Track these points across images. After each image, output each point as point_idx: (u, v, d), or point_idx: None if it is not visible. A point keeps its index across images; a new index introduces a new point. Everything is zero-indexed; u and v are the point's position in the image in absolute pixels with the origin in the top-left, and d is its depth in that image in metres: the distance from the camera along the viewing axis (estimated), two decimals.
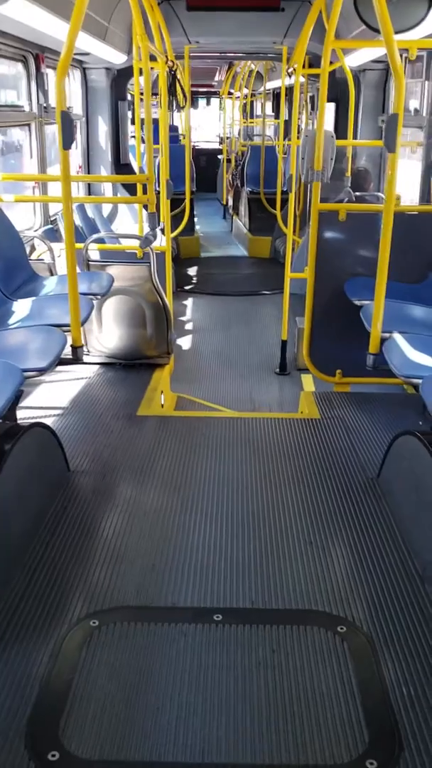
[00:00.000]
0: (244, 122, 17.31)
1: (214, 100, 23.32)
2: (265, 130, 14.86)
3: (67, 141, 3.73)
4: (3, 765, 2.26)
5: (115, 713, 2.46)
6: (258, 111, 18.48)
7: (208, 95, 23.50)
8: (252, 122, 17.65)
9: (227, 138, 18.16)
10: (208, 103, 24.45)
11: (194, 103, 25.07)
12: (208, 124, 24.51)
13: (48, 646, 2.77)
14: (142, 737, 2.37)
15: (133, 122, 10.19)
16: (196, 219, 17.52)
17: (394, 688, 2.57)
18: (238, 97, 16.83)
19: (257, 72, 14.46)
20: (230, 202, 17.05)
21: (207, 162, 21.52)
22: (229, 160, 17.36)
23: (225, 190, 17.95)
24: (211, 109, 24.12)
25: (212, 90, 21.77)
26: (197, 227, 15.71)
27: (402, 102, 3.86)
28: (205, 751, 2.32)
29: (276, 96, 16.39)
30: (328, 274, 5.51)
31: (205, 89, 22.33)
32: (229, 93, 17.35)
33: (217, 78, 20.14)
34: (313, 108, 13.86)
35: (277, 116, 15.91)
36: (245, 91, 16.53)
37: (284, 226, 10.90)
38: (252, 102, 17.94)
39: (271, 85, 16.02)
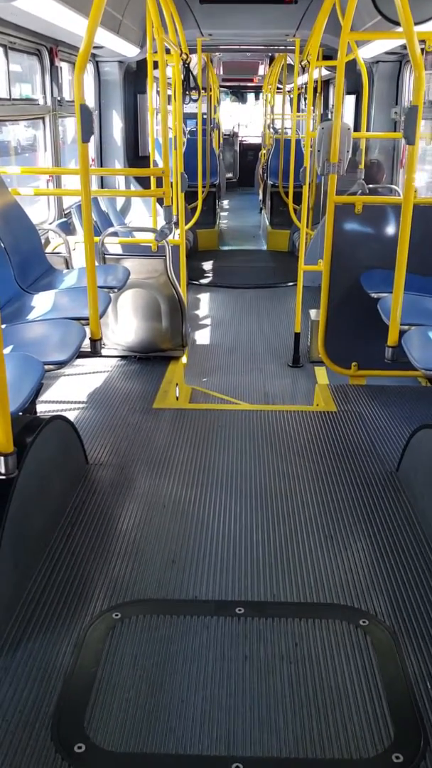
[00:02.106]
0: (272, 116, 17.24)
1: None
2: (284, 124, 14.80)
3: (86, 134, 3.72)
4: (30, 756, 2.27)
5: (140, 705, 2.47)
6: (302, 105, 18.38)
7: (256, 90, 23.43)
8: (299, 116, 17.57)
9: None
10: (256, 98, 24.39)
11: (242, 98, 25.06)
12: (257, 119, 24.38)
13: (71, 638, 2.78)
14: (167, 730, 2.38)
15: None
16: (227, 213, 17.50)
17: (419, 682, 2.57)
18: (279, 91, 16.75)
19: (291, 66, 14.40)
20: (261, 196, 17.05)
21: (253, 157, 21.51)
22: (263, 155, 17.32)
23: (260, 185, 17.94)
24: (260, 104, 24.03)
25: (258, 85, 21.69)
26: (225, 221, 15.66)
27: (422, 93, 3.84)
28: (230, 745, 2.32)
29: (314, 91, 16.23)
30: (343, 266, 5.50)
31: (252, 84, 22.25)
32: (270, 87, 17.27)
33: (261, 72, 20.06)
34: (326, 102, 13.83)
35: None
36: (284, 86, 16.44)
37: (296, 219, 10.89)
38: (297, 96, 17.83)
39: (301, 80, 15.93)
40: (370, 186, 8.22)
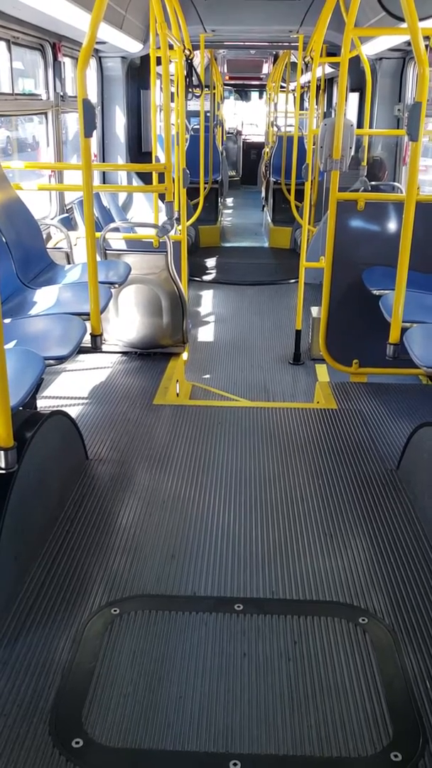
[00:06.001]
0: (275, 113, 17.21)
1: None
2: (286, 121, 14.78)
3: (88, 129, 3.71)
4: (28, 751, 2.27)
5: (137, 701, 2.47)
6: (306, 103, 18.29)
7: (260, 88, 23.38)
8: (302, 114, 17.49)
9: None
10: (260, 96, 24.36)
11: (245, 97, 25.04)
12: (261, 118, 24.33)
13: (70, 633, 2.78)
14: (165, 726, 2.37)
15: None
16: (229, 210, 17.47)
17: (417, 681, 2.56)
18: (283, 89, 16.72)
19: (295, 64, 14.35)
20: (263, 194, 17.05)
21: (256, 155, 21.55)
22: (266, 153, 17.31)
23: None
24: (264, 103, 23.96)
25: (263, 83, 21.62)
26: (228, 218, 15.62)
27: (425, 90, 3.82)
28: (228, 741, 2.32)
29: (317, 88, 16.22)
30: (345, 263, 5.48)
31: (257, 83, 22.20)
32: (274, 85, 17.23)
33: (264, 71, 20.00)
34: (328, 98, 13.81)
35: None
36: (287, 84, 16.44)
37: (298, 216, 10.88)
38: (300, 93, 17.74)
39: (305, 78, 15.85)
40: (373, 183, 8.22)
